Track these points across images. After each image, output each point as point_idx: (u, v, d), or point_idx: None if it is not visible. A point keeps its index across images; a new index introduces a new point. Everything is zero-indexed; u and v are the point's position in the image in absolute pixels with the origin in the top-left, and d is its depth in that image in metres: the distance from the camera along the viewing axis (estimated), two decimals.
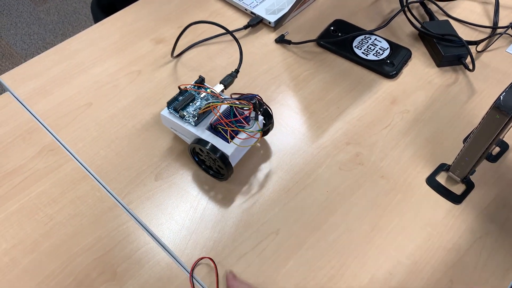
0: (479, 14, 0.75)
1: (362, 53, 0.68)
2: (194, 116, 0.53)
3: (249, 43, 0.71)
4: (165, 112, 0.55)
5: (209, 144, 0.50)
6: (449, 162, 0.57)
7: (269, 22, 0.72)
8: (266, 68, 0.68)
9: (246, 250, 0.50)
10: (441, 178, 0.56)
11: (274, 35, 0.72)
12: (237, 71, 0.59)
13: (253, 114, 0.53)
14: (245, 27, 0.72)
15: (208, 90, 0.55)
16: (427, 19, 0.74)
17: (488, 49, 0.70)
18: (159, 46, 0.70)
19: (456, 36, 0.67)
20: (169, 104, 0.54)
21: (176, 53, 0.68)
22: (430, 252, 0.50)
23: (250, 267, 0.49)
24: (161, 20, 0.73)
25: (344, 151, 0.58)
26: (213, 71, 0.66)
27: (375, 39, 0.70)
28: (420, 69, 0.68)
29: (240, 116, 0.52)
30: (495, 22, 0.73)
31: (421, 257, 0.50)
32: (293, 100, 0.64)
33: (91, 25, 0.74)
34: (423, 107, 0.63)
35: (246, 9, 0.74)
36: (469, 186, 0.55)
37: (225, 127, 0.51)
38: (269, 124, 0.55)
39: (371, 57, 0.68)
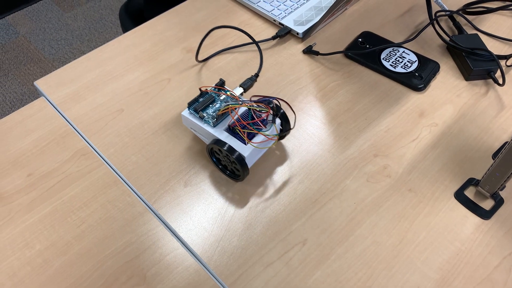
0: (508, 28, 0.75)
1: (390, 65, 0.68)
2: (213, 117, 0.54)
3: (276, 54, 0.71)
4: (186, 112, 0.57)
5: (227, 145, 0.52)
6: (478, 177, 0.57)
7: (297, 33, 0.73)
8: (294, 78, 0.68)
9: (273, 259, 0.50)
10: (469, 193, 0.56)
11: (301, 46, 0.73)
12: (256, 75, 0.62)
13: (270, 117, 0.54)
14: (273, 38, 0.73)
15: (228, 93, 0.57)
16: (456, 32, 0.74)
17: None
18: (189, 55, 0.71)
19: (486, 50, 0.67)
20: (189, 105, 0.56)
21: (202, 57, 0.69)
22: (459, 267, 0.50)
23: (276, 276, 0.49)
24: (191, 29, 0.75)
25: (372, 163, 0.58)
26: (240, 80, 0.67)
27: (403, 51, 0.70)
28: (448, 82, 0.68)
29: (257, 118, 0.53)
30: None
31: (449, 272, 0.49)
32: (320, 110, 0.64)
33: (117, 31, 0.76)
34: (451, 120, 0.63)
35: (274, 20, 0.75)
36: (499, 202, 0.54)
37: (242, 128, 0.52)
38: (287, 129, 0.56)
39: (399, 69, 0.68)
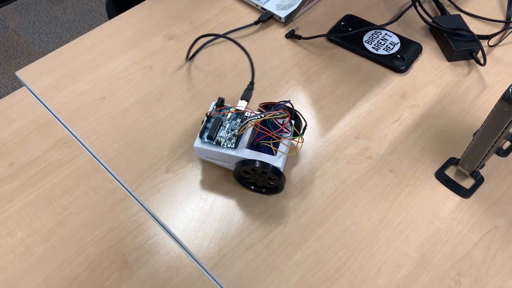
0: (492, 8, 0.75)
1: (373, 47, 0.68)
2: (230, 139, 0.51)
3: (259, 39, 0.71)
4: (198, 143, 0.52)
5: (257, 162, 0.49)
6: (459, 157, 0.57)
7: (280, 18, 0.73)
8: (276, 63, 0.68)
9: (254, 241, 0.51)
10: (450, 172, 0.56)
11: (284, 31, 0.72)
12: (252, 83, 0.61)
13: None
14: (256, 23, 0.72)
15: (232, 109, 0.54)
16: (439, 13, 0.74)
17: (501, 43, 0.70)
18: (171, 42, 0.71)
19: (467, 30, 0.67)
20: (201, 134, 0.52)
21: (187, 52, 0.69)
22: (438, 245, 0.50)
23: (257, 258, 0.49)
24: (173, 16, 0.75)
25: (353, 145, 0.59)
26: (223, 66, 0.67)
27: (386, 34, 0.70)
28: (430, 64, 0.68)
29: (282, 125, 0.51)
30: (508, 16, 0.73)
31: (428, 250, 0.50)
32: (303, 94, 0.64)
33: None
34: (433, 101, 0.63)
35: (256, 5, 0.75)
36: (479, 180, 0.55)
37: (269, 140, 0.50)
38: (305, 126, 0.54)
39: (381, 51, 0.68)
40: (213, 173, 0.56)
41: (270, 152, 0.51)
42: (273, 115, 0.50)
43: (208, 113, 0.54)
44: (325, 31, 0.72)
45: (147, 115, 0.62)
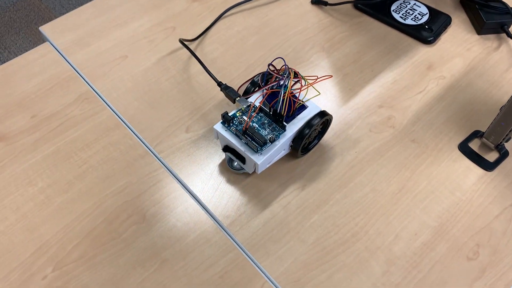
0: None
1: (400, 17, 0.67)
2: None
3: (284, 4, 0.70)
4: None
5: (325, 117, 0.50)
6: (484, 130, 0.56)
7: None
8: (301, 29, 0.67)
9: (272, 202, 0.50)
10: (474, 145, 0.55)
11: None
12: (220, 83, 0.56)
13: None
14: None
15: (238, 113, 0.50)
16: None
17: None
18: (194, 4, 0.70)
19: (501, 1, 0.65)
20: (259, 147, 0.48)
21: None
22: (458, 216, 0.49)
23: (274, 218, 0.49)
24: None
25: (376, 114, 0.58)
26: (246, 30, 0.66)
27: (414, 4, 0.68)
28: (459, 36, 0.66)
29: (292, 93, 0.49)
30: None
31: (448, 220, 0.49)
32: (326, 61, 0.63)
33: None
34: (460, 74, 0.61)
35: None
36: (503, 154, 0.54)
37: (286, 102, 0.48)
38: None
39: (409, 21, 0.66)
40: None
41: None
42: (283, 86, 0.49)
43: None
44: None
45: (168, 75, 0.61)
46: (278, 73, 0.50)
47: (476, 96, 0.59)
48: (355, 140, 0.55)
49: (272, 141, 0.48)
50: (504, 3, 0.64)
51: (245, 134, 0.48)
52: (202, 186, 0.52)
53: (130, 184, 0.52)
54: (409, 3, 0.68)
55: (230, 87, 0.55)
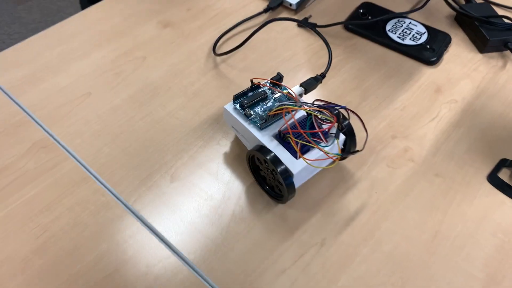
0: None
1: (398, 37, 0.61)
2: (261, 118, 0.43)
3: (269, 28, 0.62)
4: (229, 106, 0.46)
5: (271, 155, 0.40)
6: (510, 157, 0.49)
7: (290, 4, 0.64)
8: (289, 55, 0.59)
9: (287, 265, 0.41)
10: (504, 175, 0.48)
11: (296, 18, 0.64)
12: (323, 75, 0.50)
13: (334, 130, 0.43)
14: (265, 11, 0.63)
15: (285, 91, 0.46)
16: (463, 2, 0.67)
17: None
18: (166, 30, 0.61)
19: (503, 16, 0.60)
20: (235, 98, 0.45)
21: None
22: (506, 263, 0.42)
23: (294, 285, 0.40)
24: (167, 2, 0.65)
25: (390, 146, 0.50)
26: (232, 58, 0.58)
27: (410, 22, 0.63)
28: (462, 55, 0.60)
29: (318, 128, 0.42)
30: None
31: (496, 269, 0.42)
32: (323, 89, 0.55)
33: None
34: (471, 97, 0.56)
35: None
36: None
37: (296, 138, 0.41)
38: (354, 151, 0.42)
39: (408, 41, 0.60)
40: (227, 182, 0.46)
41: (294, 153, 0.42)
42: (313, 111, 0.41)
43: (258, 82, 0.46)
44: (341, 20, 0.64)
45: (143, 113, 0.52)
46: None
47: (494, 120, 0.53)
48: (373, 179, 0.47)
49: (247, 114, 0.44)
50: (507, 18, 0.60)
51: (257, 94, 0.45)
52: (198, 250, 0.41)
53: (105, 254, 0.41)
54: (404, 22, 0.63)
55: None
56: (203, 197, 0.45)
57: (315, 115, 0.41)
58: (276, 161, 0.40)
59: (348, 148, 0.45)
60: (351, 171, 0.48)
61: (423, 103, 0.55)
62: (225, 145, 0.49)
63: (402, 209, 0.45)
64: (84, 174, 0.46)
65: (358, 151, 0.42)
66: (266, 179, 0.45)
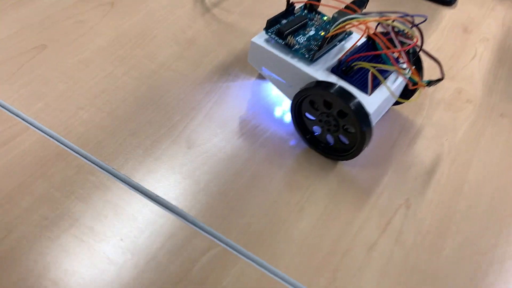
0: None
1: None
2: (309, 48, 0.32)
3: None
4: (259, 39, 0.34)
5: (337, 87, 0.30)
6: None
7: None
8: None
9: (373, 238, 0.30)
10: None
11: None
12: None
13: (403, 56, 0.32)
14: None
15: (326, 18, 0.35)
16: None
17: None
18: None
19: None
20: (268, 26, 0.33)
21: None
22: None
23: (392, 260, 0.29)
24: None
25: (441, 88, 0.42)
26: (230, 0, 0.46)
27: None
28: None
29: (401, 47, 0.30)
30: None
31: None
32: None
33: None
34: (501, 35, 0.49)
35: None
36: None
37: (368, 65, 0.30)
38: (439, 79, 0.32)
39: None
40: (251, 152, 0.34)
41: (364, 88, 0.31)
42: (392, 22, 0.30)
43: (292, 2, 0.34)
44: None
45: (125, 67, 0.38)
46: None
47: None
48: (436, 125, 0.38)
49: (290, 44, 0.32)
50: None
51: (295, 19, 0.34)
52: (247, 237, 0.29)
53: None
54: None
55: None
56: (238, 165, 0.33)
57: (393, 27, 0.30)
58: (346, 95, 0.29)
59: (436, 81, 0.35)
60: (409, 118, 0.38)
61: (455, 43, 0.47)
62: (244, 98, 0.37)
63: (482, 155, 0.36)
64: (58, 148, 0.31)
65: (441, 79, 0.32)
66: (322, 132, 0.33)
